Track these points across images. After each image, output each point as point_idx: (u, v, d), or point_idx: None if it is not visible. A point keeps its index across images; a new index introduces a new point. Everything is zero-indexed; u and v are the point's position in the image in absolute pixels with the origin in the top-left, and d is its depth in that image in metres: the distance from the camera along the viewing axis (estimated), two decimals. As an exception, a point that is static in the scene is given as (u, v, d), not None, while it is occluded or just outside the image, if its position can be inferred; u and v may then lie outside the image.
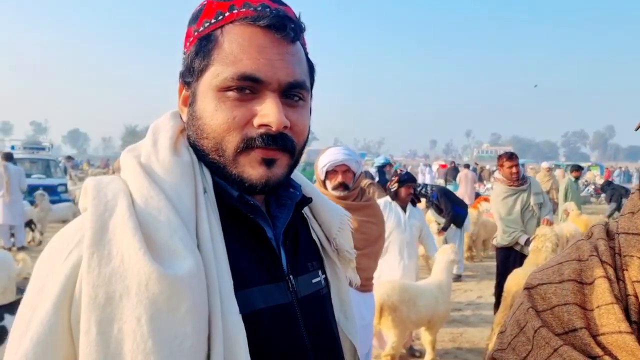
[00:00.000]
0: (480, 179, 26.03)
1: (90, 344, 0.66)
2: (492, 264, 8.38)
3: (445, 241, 7.69)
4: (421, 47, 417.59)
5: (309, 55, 0.94)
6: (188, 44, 0.90)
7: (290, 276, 0.92)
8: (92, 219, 0.72)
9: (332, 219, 1.06)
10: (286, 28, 0.83)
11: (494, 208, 5.71)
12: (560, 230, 6.35)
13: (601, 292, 0.87)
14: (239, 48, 0.83)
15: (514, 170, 5.40)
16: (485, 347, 4.63)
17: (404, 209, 4.92)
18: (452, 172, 22.73)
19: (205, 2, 0.88)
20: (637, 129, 0.90)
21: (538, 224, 5.27)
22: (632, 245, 0.88)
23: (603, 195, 20.01)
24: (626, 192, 14.54)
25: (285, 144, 0.85)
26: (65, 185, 14.95)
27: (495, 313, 4.97)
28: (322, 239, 1.06)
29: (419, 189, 7.84)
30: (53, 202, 11.61)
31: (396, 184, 4.87)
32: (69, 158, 26.00)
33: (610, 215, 13.56)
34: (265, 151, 0.84)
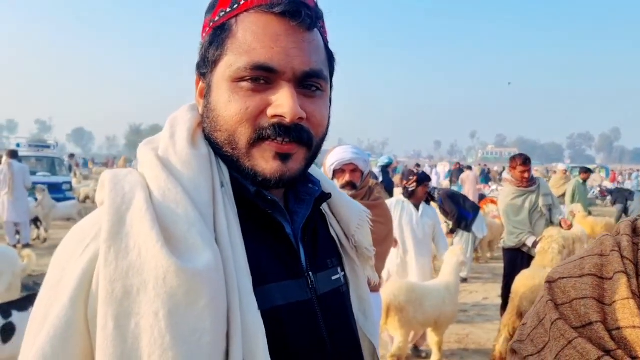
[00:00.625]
0: (488, 180, 25.97)
1: (107, 339, 0.64)
2: (498, 266, 8.36)
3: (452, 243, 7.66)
4: (426, 47, 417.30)
5: (329, 44, 0.91)
6: (204, 34, 0.88)
7: (310, 273, 0.90)
8: (109, 212, 0.70)
9: (351, 215, 1.04)
10: (302, 15, 0.80)
11: (501, 209, 5.68)
12: (566, 232, 6.32)
13: (619, 287, 0.87)
14: (253, 37, 0.80)
15: (525, 175, 5.39)
16: (492, 348, 4.60)
17: (416, 207, 4.98)
18: (457, 173, 22.71)
19: None
20: None
21: (547, 226, 5.24)
22: None
23: (609, 197, 20.00)
24: (630, 194, 14.51)
25: (300, 136, 0.82)
26: (70, 183, 15.00)
27: (501, 314, 4.94)
28: (341, 235, 1.04)
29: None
30: (58, 200, 11.61)
31: (414, 183, 4.94)
32: (71, 156, 26.04)
33: (619, 218, 13.52)
34: (279, 145, 0.81)
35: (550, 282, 0.97)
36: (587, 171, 11.62)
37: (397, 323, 4.19)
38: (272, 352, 0.74)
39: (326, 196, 0.97)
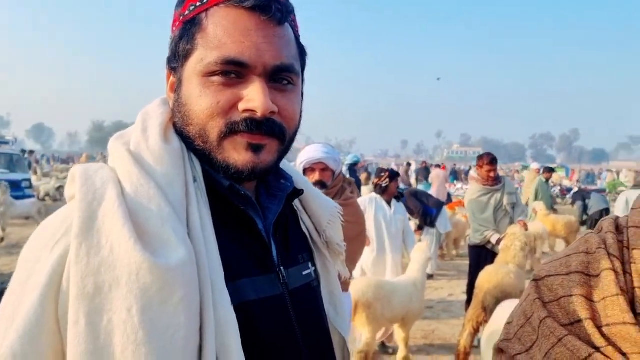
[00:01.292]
0: (456, 179, 26.42)
1: (79, 336, 0.63)
2: (463, 263, 8.52)
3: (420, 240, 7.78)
4: (393, 48, 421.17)
5: (300, 38, 0.91)
6: (174, 28, 0.87)
7: (281, 268, 0.90)
8: (80, 208, 0.69)
9: (322, 211, 1.04)
10: (272, 9, 0.81)
11: (467, 206, 5.81)
12: (528, 230, 6.50)
13: (607, 284, 0.88)
14: (223, 31, 0.80)
15: (491, 174, 5.53)
16: (457, 343, 4.69)
17: (389, 203, 5.09)
18: (423, 172, 23.00)
19: None
20: None
21: (510, 224, 5.37)
22: None
23: (568, 196, 20.72)
24: (587, 194, 15.06)
25: (272, 130, 0.82)
26: (29, 180, 14.55)
27: (466, 310, 5.05)
28: (312, 231, 1.04)
29: None
30: (17, 197, 11.22)
31: (387, 179, 5.07)
32: (31, 152, 25.25)
33: (581, 215, 13.99)
34: (252, 136, 0.81)
35: (536, 280, 0.98)
36: (550, 170, 11.95)
37: (365, 320, 4.21)
38: (244, 347, 0.74)
39: (298, 192, 0.98)
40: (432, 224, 8.29)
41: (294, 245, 0.97)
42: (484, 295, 4.47)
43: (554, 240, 10.42)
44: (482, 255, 5.43)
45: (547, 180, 11.61)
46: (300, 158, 3.19)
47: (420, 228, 8.21)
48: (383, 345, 5.19)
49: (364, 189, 11.18)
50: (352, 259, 3.38)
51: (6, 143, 17.23)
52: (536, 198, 10.91)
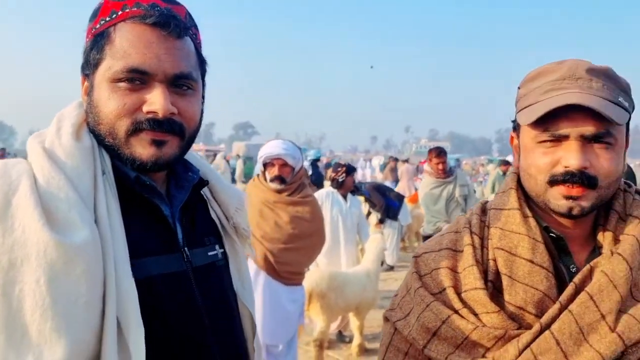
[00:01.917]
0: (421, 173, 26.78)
1: None
2: (422, 254, 8.78)
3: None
4: (362, 43, 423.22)
5: (201, 49, 1.06)
6: (87, 39, 1.00)
7: (185, 248, 1.04)
8: None
9: (229, 200, 1.19)
10: (171, 25, 0.95)
11: (421, 198, 6.05)
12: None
13: (466, 257, 1.06)
14: (128, 43, 0.93)
15: (440, 167, 5.76)
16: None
17: (344, 197, 5.28)
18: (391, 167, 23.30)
19: (103, 2, 0.99)
20: None
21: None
22: (497, 218, 1.08)
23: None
24: None
25: (172, 128, 0.96)
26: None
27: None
28: (222, 217, 1.18)
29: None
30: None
31: (344, 174, 5.25)
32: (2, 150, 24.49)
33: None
34: (154, 133, 0.95)
35: (416, 257, 1.16)
36: (507, 163, 12.36)
37: (320, 309, 4.38)
38: (147, 315, 0.87)
39: (204, 183, 1.12)
40: (394, 217, 8.51)
41: (201, 229, 1.11)
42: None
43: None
44: (435, 245, 5.66)
45: (504, 172, 12.03)
46: (260, 152, 3.31)
47: (381, 221, 8.42)
48: (340, 334, 5.37)
49: (327, 184, 11.37)
50: (309, 255, 3.50)
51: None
52: (493, 190, 11.30)
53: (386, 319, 1.17)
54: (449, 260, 1.09)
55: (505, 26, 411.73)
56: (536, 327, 0.95)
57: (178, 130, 0.98)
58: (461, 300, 1.03)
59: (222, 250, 1.15)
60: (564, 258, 1.04)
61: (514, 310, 0.99)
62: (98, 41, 0.96)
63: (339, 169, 5.38)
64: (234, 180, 21.46)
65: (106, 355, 0.81)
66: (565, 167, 0.97)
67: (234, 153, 32.48)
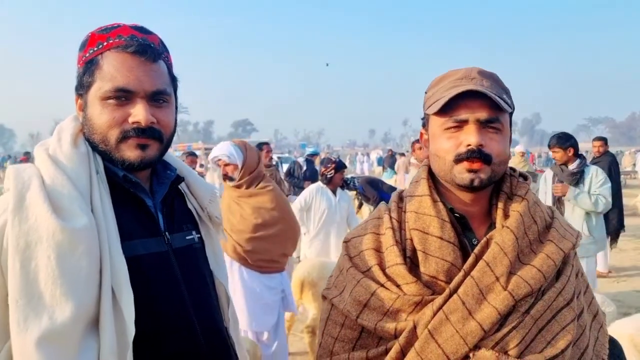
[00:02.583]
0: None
1: (15, 275, 0.99)
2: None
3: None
4: (359, 37, 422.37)
5: (172, 69, 1.29)
6: (79, 65, 1.23)
7: (166, 233, 1.27)
8: (14, 193, 1.05)
9: (203, 193, 1.43)
10: (147, 52, 1.18)
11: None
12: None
13: (388, 239, 1.27)
14: (114, 68, 1.17)
15: (425, 154, 5.92)
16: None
17: (334, 192, 5.54)
18: (389, 159, 23.53)
19: (90, 34, 1.22)
20: None
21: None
22: (412, 204, 1.30)
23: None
24: (534, 176, 15.78)
25: (153, 134, 1.20)
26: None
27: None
28: (197, 208, 1.42)
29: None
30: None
31: (333, 170, 5.50)
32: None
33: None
34: (139, 139, 1.18)
35: (346, 241, 1.37)
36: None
37: (311, 297, 4.60)
38: (135, 288, 1.10)
39: (180, 179, 1.36)
40: (388, 209, 8.74)
41: (179, 217, 1.35)
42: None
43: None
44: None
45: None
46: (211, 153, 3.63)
47: None
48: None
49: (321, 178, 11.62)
50: (280, 243, 3.65)
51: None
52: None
53: (324, 297, 1.35)
54: (373, 242, 1.29)
55: (501, 18, 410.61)
56: (446, 292, 1.15)
57: (158, 136, 1.21)
58: (385, 275, 1.22)
59: (198, 235, 1.39)
60: (467, 234, 1.26)
61: (428, 280, 1.19)
62: (89, 67, 1.19)
63: (329, 165, 5.61)
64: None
65: (104, 316, 1.05)
66: (467, 145, 1.19)
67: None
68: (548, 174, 5.58)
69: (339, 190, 5.64)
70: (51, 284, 0.99)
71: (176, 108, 1.30)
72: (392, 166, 21.98)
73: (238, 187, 3.54)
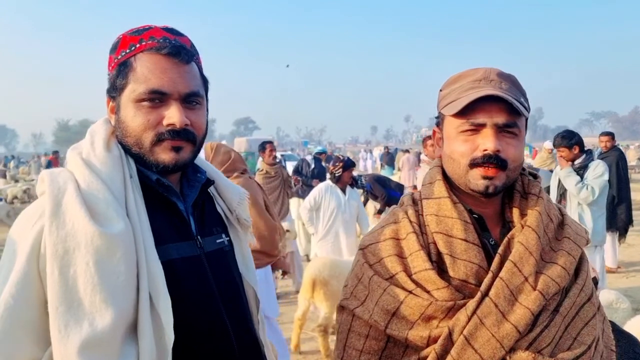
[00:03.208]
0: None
1: (55, 282, 0.98)
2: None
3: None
4: (360, 34, 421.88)
5: (203, 71, 1.28)
6: (110, 67, 1.22)
7: (198, 237, 1.26)
8: (49, 198, 1.04)
9: (232, 196, 1.41)
10: (181, 54, 1.17)
11: (419, 187, 6.21)
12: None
13: (411, 243, 1.23)
14: (148, 70, 1.15)
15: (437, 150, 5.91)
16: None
17: (343, 190, 5.52)
18: (386, 157, 23.57)
19: (121, 36, 1.21)
20: None
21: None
22: (430, 206, 1.27)
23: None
24: (537, 170, 15.69)
25: (188, 136, 1.19)
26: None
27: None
28: (226, 210, 1.41)
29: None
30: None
31: (341, 169, 5.50)
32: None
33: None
34: (173, 141, 1.17)
35: (362, 248, 1.31)
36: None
37: (323, 296, 4.59)
38: (171, 291, 1.09)
39: (210, 182, 1.34)
40: (399, 207, 8.73)
41: (209, 221, 1.34)
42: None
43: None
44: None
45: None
46: None
47: (380, 212, 8.64)
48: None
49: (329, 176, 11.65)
50: (259, 234, 3.56)
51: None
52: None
53: (342, 308, 1.28)
54: (394, 249, 1.24)
55: (502, 13, 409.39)
56: (478, 295, 1.12)
57: (191, 138, 1.20)
58: (413, 281, 1.18)
59: (227, 238, 1.37)
60: (484, 234, 1.24)
61: (458, 284, 1.16)
62: (122, 69, 1.17)
63: (337, 164, 5.60)
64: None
65: (142, 321, 1.04)
66: (484, 150, 1.17)
67: (236, 148, 32.66)
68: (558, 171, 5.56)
69: (348, 189, 5.64)
70: (90, 290, 0.98)
71: (207, 110, 1.28)
72: (389, 163, 22.06)
73: None
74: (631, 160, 27.56)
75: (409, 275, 1.19)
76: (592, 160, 5.34)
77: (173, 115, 1.15)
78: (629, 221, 7.27)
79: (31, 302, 0.99)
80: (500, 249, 1.18)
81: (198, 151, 1.26)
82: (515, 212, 1.25)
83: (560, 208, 1.33)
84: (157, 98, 1.15)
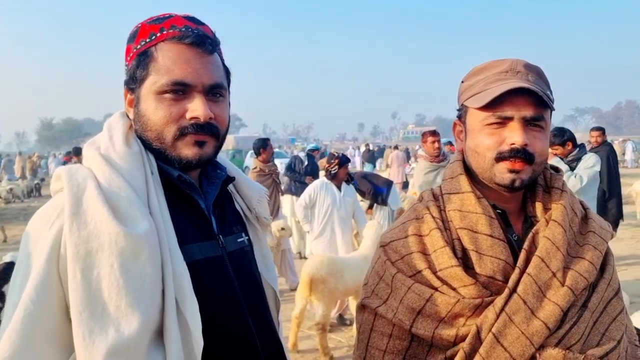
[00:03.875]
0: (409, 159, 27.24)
1: (77, 286, 0.92)
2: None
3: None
4: (347, 32, 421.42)
5: (225, 62, 1.21)
6: (129, 58, 1.15)
7: (220, 236, 1.20)
8: (69, 196, 0.97)
9: (252, 193, 1.35)
10: (205, 44, 1.11)
11: (416, 183, 6.26)
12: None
13: (435, 240, 1.19)
14: (170, 61, 1.08)
15: (436, 145, 5.97)
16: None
17: (339, 187, 5.48)
18: (367, 154, 23.60)
19: (140, 25, 1.14)
20: None
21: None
22: (453, 201, 1.23)
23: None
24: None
25: (212, 131, 1.12)
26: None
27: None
28: (245, 209, 1.34)
29: None
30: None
31: (337, 166, 5.46)
32: None
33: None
34: (197, 135, 1.10)
35: (383, 245, 1.27)
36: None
37: (321, 294, 4.56)
38: (196, 292, 1.02)
39: (231, 179, 1.28)
40: (384, 202, 8.71)
41: (230, 219, 1.27)
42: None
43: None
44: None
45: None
46: None
47: (370, 207, 8.64)
48: (341, 317, 5.57)
49: (322, 173, 11.63)
50: None
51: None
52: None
53: (363, 307, 1.25)
54: (417, 245, 1.21)
55: (486, 11, 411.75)
56: (506, 292, 1.10)
57: (215, 132, 1.14)
58: (439, 278, 1.15)
59: (247, 237, 1.31)
60: (507, 229, 1.21)
61: (485, 280, 1.13)
62: (142, 60, 1.11)
63: (332, 161, 5.56)
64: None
65: (169, 327, 0.97)
66: (511, 144, 1.14)
67: (223, 146, 32.45)
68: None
69: (343, 185, 5.59)
70: (115, 294, 0.92)
71: (229, 103, 1.22)
72: (369, 161, 22.17)
73: None
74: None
75: (434, 272, 1.16)
76: (585, 153, 5.39)
77: (197, 108, 1.09)
78: (620, 216, 7.34)
79: (52, 307, 0.93)
80: (526, 245, 1.15)
81: (221, 146, 1.20)
82: (539, 206, 1.23)
83: (583, 202, 1.31)
84: (180, 90, 1.09)
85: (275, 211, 6.79)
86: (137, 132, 1.14)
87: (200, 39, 1.10)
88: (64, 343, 0.93)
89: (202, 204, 1.18)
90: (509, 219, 1.23)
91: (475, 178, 1.25)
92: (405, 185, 14.28)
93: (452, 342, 1.12)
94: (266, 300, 1.32)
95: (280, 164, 11.25)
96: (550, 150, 5.44)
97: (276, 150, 29.85)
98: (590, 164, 5.21)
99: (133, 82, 1.13)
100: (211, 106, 1.12)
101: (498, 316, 1.08)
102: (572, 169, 5.26)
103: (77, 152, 13.09)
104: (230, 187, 1.33)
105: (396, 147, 20.90)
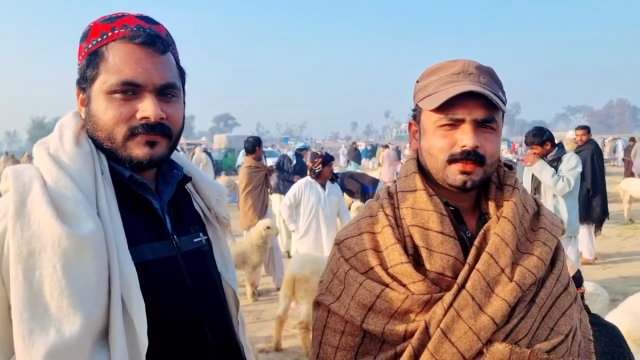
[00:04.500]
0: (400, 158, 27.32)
1: (18, 287, 0.91)
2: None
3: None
4: (341, 31, 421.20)
5: (180, 62, 1.21)
6: (81, 57, 1.15)
7: (175, 236, 1.20)
8: (13, 197, 0.96)
9: (210, 193, 1.35)
10: (156, 44, 1.10)
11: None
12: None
13: (387, 237, 1.20)
14: (120, 60, 1.08)
15: None
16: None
17: (323, 186, 5.50)
18: (352, 153, 23.65)
19: (92, 24, 1.13)
20: None
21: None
22: (406, 199, 1.24)
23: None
24: (514, 164, 15.87)
25: (163, 131, 1.12)
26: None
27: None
28: (204, 208, 1.34)
29: None
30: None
31: (320, 165, 5.46)
32: None
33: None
34: (148, 136, 1.10)
35: (338, 243, 1.28)
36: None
37: (304, 292, 4.56)
38: (145, 294, 1.02)
39: (187, 179, 1.28)
40: (371, 200, 8.78)
41: (186, 220, 1.27)
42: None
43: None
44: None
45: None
46: None
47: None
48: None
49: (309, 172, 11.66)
50: None
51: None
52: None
53: (318, 304, 1.26)
54: (370, 243, 1.22)
55: (479, 10, 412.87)
56: (454, 288, 1.11)
57: (167, 132, 1.14)
58: (389, 275, 1.16)
59: (206, 237, 1.31)
60: (460, 226, 1.23)
61: (435, 277, 1.14)
62: (92, 59, 1.10)
63: (316, 160, 5.57)
64: (218, 172, 21.45)
65: (114, 327, 0.97)
66: (463, 146, 1.15)
67: (216, 145, 32.30)
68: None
69: (328, 184, 5.61)
70: (57, 294, 0.91)
71: (184, 103, 1.22)
72: (355, 160, 22.26)
73: None
74: (606, 153, 28.06)
75: (385, 269, 1.17)
76: (565, 153, 5.44)
77: (147, 108, 1.09)
78: (605, 213, 7.40)
79: None
80: (477, 241, 1.17)
81: (174, 146, 1.20)
82: (491, 203, 1.24)
83: (536, 199, 1.33)
84: (130, 90, 1.09)
85: (264, 209, 6.79)
86: (88, 132, 1.14)
87: (152, 39, 1.10)
88: (6, 344, 0.94)
89: (155, 204, 1.18)
90: (463, 217, 1.24)
91: (429, 176, 1.26)
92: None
93: (401, 337, 1.12)
94: (225, 300, 1.32)
95: (273, 163, 11.25)
96: (529, 150, 5.49)
97: (269, 149, 29.82)
98: (573, 164, 5.26)
99: (84, 82, 1.13)
100: (163, 106, 1.12)
101: (446, 312, 1.09)
102: (554, 168, 5.31)
103: None
104: (189, 186, 1.33)
105: (387, 146, 20.94)
